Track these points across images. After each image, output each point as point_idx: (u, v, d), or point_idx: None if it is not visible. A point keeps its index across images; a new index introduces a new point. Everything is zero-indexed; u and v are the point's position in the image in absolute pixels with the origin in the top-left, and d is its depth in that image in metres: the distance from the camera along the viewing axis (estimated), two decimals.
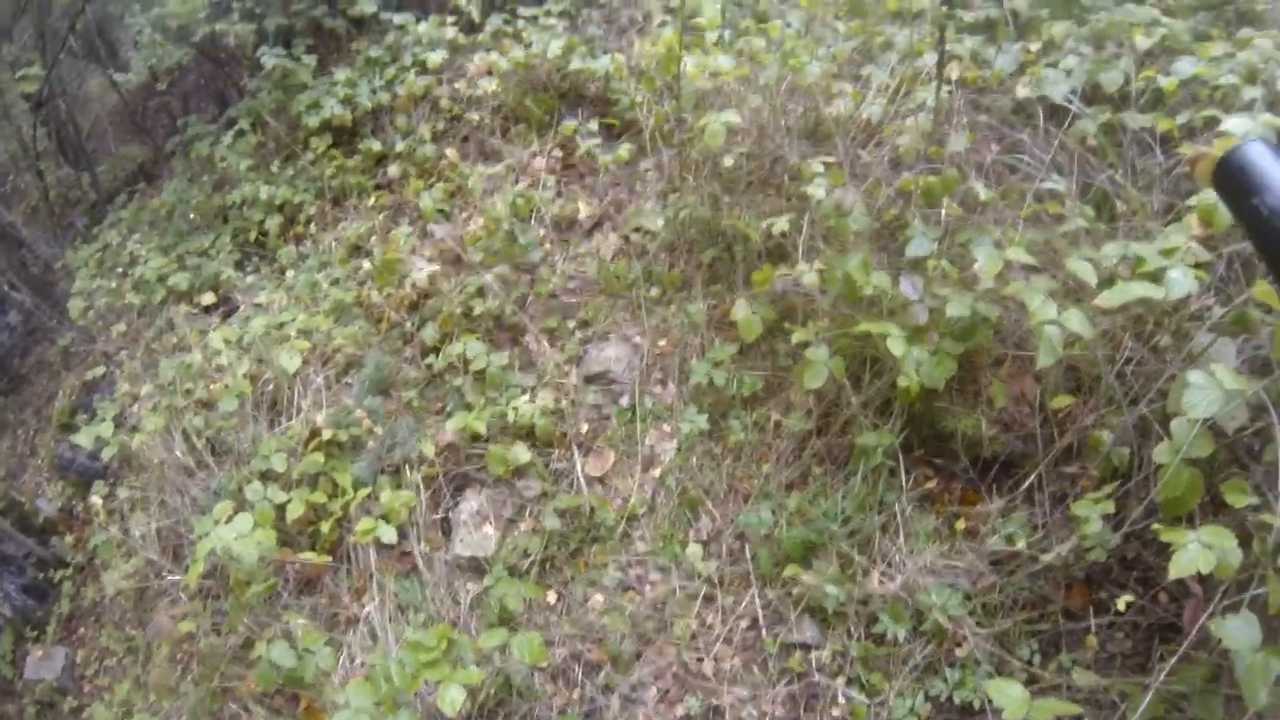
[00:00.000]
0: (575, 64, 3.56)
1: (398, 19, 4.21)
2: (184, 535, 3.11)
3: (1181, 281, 1.82)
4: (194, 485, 3.10)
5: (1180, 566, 1.65)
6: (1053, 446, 2.08)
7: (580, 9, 4.14)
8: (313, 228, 3.84)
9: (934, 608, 1.96)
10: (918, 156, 2.37)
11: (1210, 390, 1.72)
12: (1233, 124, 2.05)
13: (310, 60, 4.19)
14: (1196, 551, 1.64)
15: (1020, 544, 2.02)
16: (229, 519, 2.50)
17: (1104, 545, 1.97)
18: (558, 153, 3.33)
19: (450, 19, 4.07)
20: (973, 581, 2.08)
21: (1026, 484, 2.06)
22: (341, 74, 4.16)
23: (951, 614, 1.98)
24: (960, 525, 2.07)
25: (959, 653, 2.02)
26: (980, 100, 2.55)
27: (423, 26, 4.08)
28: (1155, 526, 1.75)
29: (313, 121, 3.96)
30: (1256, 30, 2.83)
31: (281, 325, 3.35)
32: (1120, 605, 1.86)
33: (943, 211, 2.13)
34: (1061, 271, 2.03)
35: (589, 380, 2.54)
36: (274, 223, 3.95)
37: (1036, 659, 2.07)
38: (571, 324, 2.75)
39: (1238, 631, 1.61)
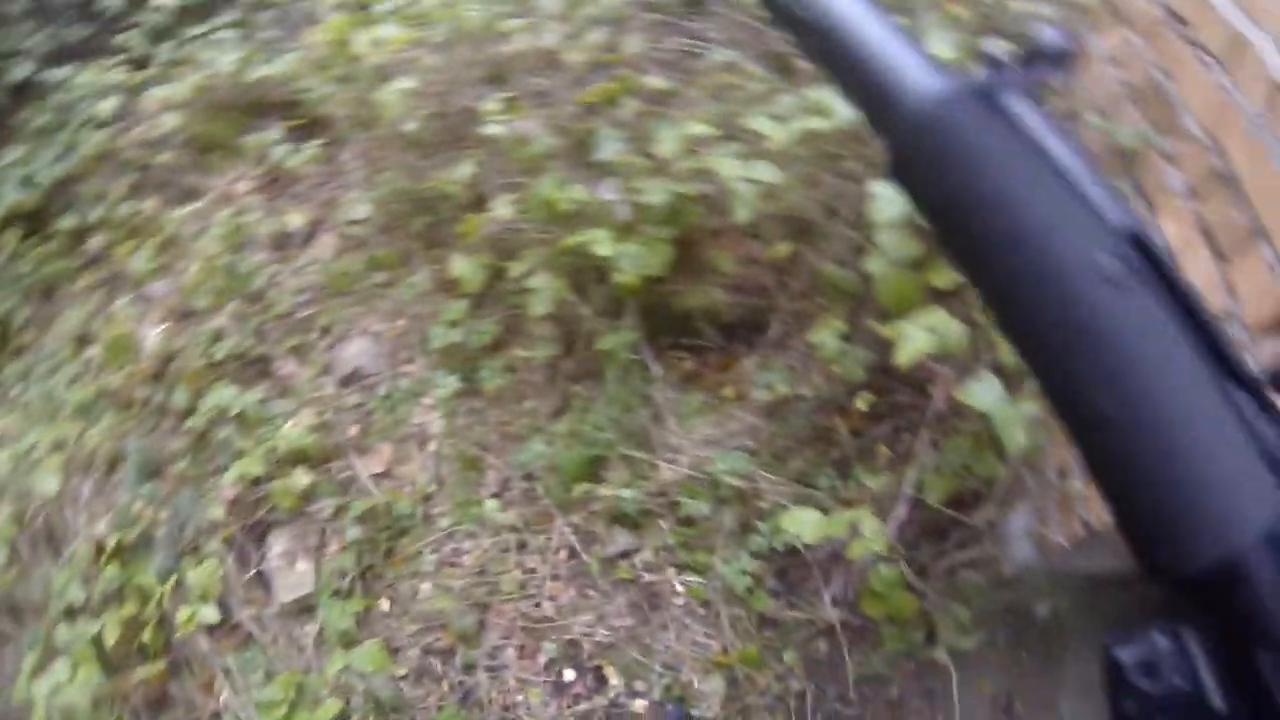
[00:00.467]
0: (255, 73, 3.34)
1: (57, 75, 3.78)
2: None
3: (844, 110, 1.97)
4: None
5: (906, 354, 1.82)
6: (786, 292, 2.22)
7: (251, 15, 3.87)
8: (29, 334, 3.44)
9: (724, 474, 2.08)
10: (596, 69, 2.40)
11: (897, 197, 1.88)
12: None
13: None
14: (918, 337, 1.81)
15: (783, 388, 2.17)
16: (39, 672, 2.31)
17: (855, 362, 2.15)
18: (258, 170, 3.14)
19: (114, 61, 3.70)
20: (754, 437, 2.22)
21: (772, 335, 2.20)
22: (12, 154, 3.71)
23: (742, 473, 2.10)
24: (728, 392, 2.20)
25: (763, 505, 2.16)
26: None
27: (84, 77, 3.68)
28: (875, 325, 1.91)
29: None
30: None
31: (29, 451, 3.02)
32: (862, 406, 2.03)
33: (626, 110, 2.17)
34: (751, 135, 2.14)
35: (344, 384, 2.47)
36: None
37: (838, 484, 2.25)
38: (314, 336, 2.65)
39: (982, 393, 1.80)
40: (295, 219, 2.90)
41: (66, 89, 3.73)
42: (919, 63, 0.38)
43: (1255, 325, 1.38)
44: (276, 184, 3.15)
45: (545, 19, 2.50)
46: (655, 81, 2.18)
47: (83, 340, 3.21)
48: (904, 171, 0.39)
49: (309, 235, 2.91)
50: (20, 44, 4.05)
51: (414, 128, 2.39)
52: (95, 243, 3.36)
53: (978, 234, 0.36)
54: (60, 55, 4.01)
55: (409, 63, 2.65)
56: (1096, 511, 1.66)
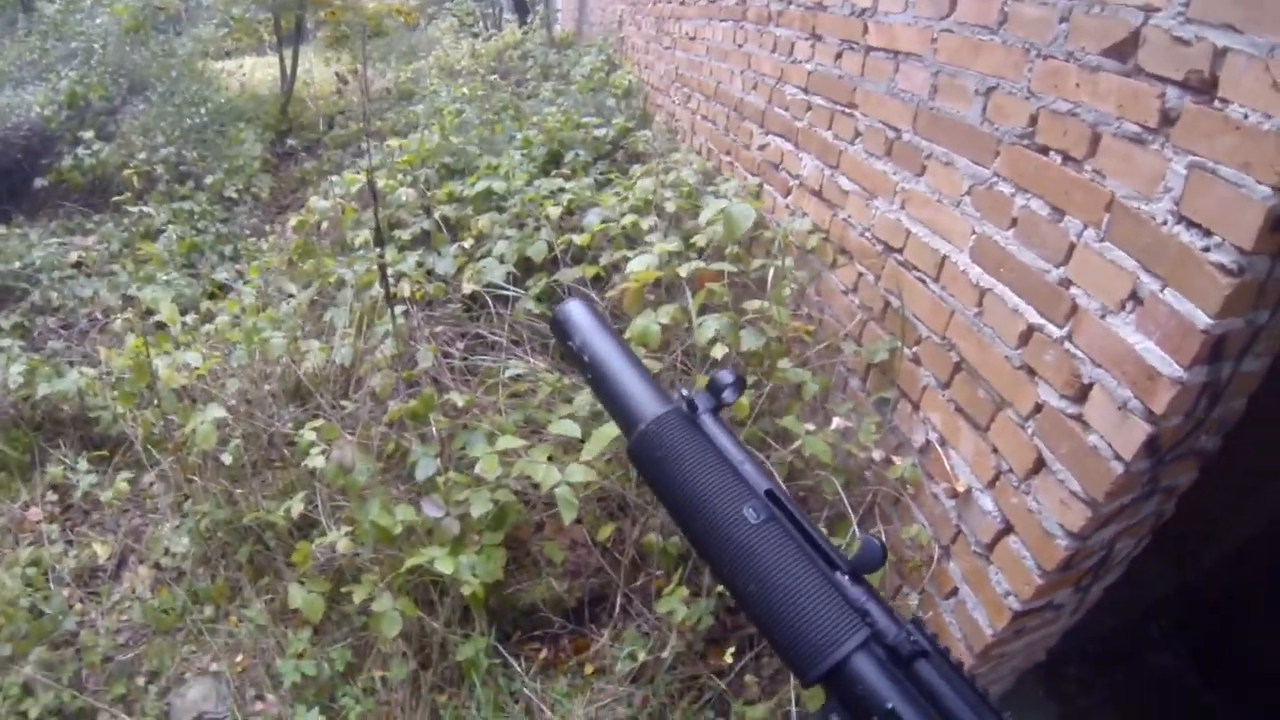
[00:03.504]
0: (43, 389, 3.15)
1: None
2: None
3: None
4: None
5: None
6: (619, 568, 2.32)
7: (34, 320, 3.68)
8: None
9: None
10: (395, 387, 2.48)
11: None
12: (635, 263, 2.49)
13: None
14: None
15: (643, 655, 2.22)
16: None
17: (706, 612, 2.25)
18: (52, 495, 2.91)
19: None
20: (628, 705, 2.24)
21: (617, 609, 2.27)
22: None
23: None
24: (589, 670, 2.22)
25: None
26: (434, 314, 2.76)
27: None
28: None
29: None
30: (643, 165, 3.49)
31: None
32: (727, 658, 2.12)
33: (433, 428, 2.25)
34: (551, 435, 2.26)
35: None
36: None
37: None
38: (141, 681, 2.41)
39: None
40: (101, 550, 2.68)
41: None
42: (647, 392, 0.62)
43: (1020, 471, 1.65)
44: (73, 509, 2.92)
45: (341, 334, 2.59)
46: (455, 398, 2.29)
47: None
48: (638, 461, 0.61)
49: (118, 567, 2.69)
50: None
51: (229, 460, 2.35)
52: None
53: (678, 501, 0.58)
54: None
55: (213, 384, 2.63)
56: None
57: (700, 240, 2.74)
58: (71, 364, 3.23)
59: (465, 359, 2.66)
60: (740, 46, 3.50)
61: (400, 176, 3.67)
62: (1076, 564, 1.60)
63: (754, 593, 0.53)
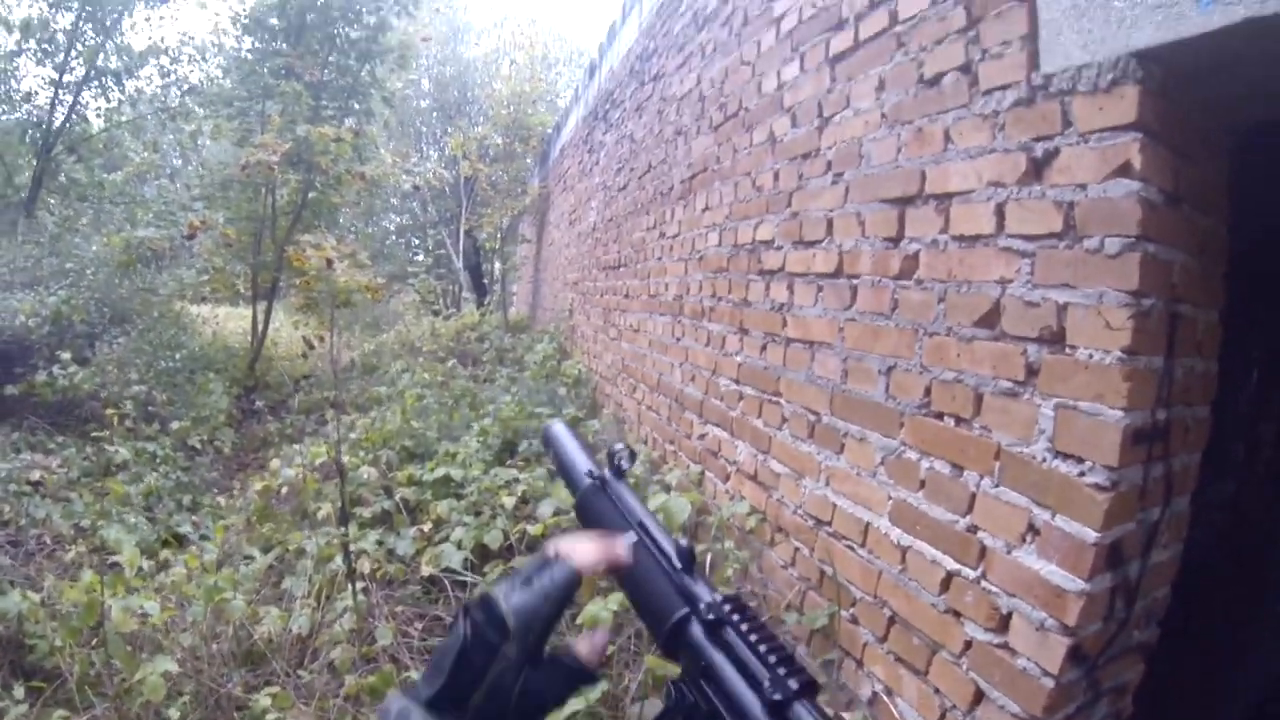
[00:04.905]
0: None
1: None
2: None
3: None
4: None
5: None
6: None
7: None
8: None
9: None
10: (354, 661, 2.40)
11: None
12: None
13: None
14: None
15: None
16: None
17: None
18: None
19: None
20: None
21: None
22: None
23: None
24: None
25: None
26: (393, 594, 2.80)
27: None
28: None
29: None
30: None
31: None
32: None
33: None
34: None
35: None
36: None
37: None
38: None
39: None
40: None
41: None
42: (585, 465, 0.84)
43: (964, 705, 1.62)
44: None
45: (300, 603, 2.55)
46: (414, 676, 2.21)
47: None
48: (580, 516, 0.83)
49: None
50: None
51: (175, 716, 2.13)
52: None
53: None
54: None
55: (165, 636, 2.49)
56: None
57: None
58: (13, 584, 2.94)
59: (424, 639, 2.61)
60: (678, 340, 3.87)
61: (362, 454, 3.83)
62: None
63: (629, 591, 0.75)
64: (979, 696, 1.62)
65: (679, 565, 0.71)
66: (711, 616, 0.64)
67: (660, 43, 4.85)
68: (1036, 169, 1.60)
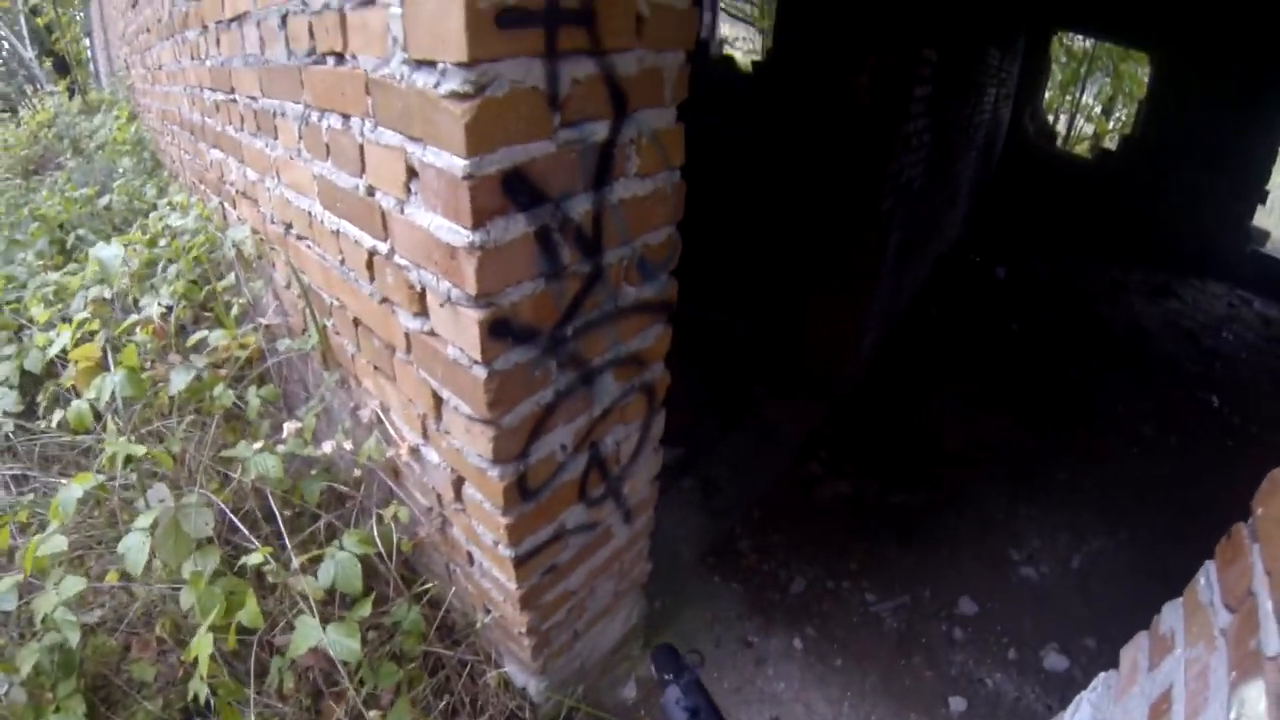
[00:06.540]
0: None
1: None
2: None
3: None
4: None
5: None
6: None
7: None
8: None
9: None
10: None
11: None
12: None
13: None
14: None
15: None
16: None
17: None
18: None
19: None
20: None
21: None
22: None
23: None
24: None
25: None
26: None
27: None
28: None
29: None
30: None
31: None
32: None
33: None
34: None
35: None
36: None
37: None
38: None
39: None
40: None
41: None
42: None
43: (431, 412, 1.40)
44: None
45: None
46: None
47: None
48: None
49: None
50: None
51: None
52: None
53: None
54: None
55: None
56: None
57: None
58: None
59: None
60: (179, 63, 2.87)
61: None
62: (538, 488, 1.37)
63: None
64: (438, 400, 1.32)
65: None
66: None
67: None
68: None
